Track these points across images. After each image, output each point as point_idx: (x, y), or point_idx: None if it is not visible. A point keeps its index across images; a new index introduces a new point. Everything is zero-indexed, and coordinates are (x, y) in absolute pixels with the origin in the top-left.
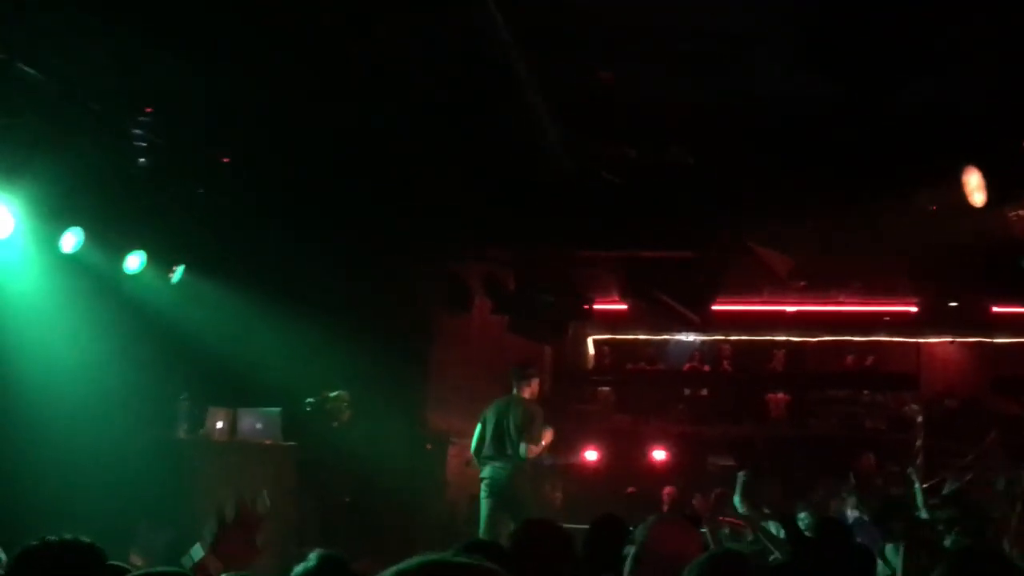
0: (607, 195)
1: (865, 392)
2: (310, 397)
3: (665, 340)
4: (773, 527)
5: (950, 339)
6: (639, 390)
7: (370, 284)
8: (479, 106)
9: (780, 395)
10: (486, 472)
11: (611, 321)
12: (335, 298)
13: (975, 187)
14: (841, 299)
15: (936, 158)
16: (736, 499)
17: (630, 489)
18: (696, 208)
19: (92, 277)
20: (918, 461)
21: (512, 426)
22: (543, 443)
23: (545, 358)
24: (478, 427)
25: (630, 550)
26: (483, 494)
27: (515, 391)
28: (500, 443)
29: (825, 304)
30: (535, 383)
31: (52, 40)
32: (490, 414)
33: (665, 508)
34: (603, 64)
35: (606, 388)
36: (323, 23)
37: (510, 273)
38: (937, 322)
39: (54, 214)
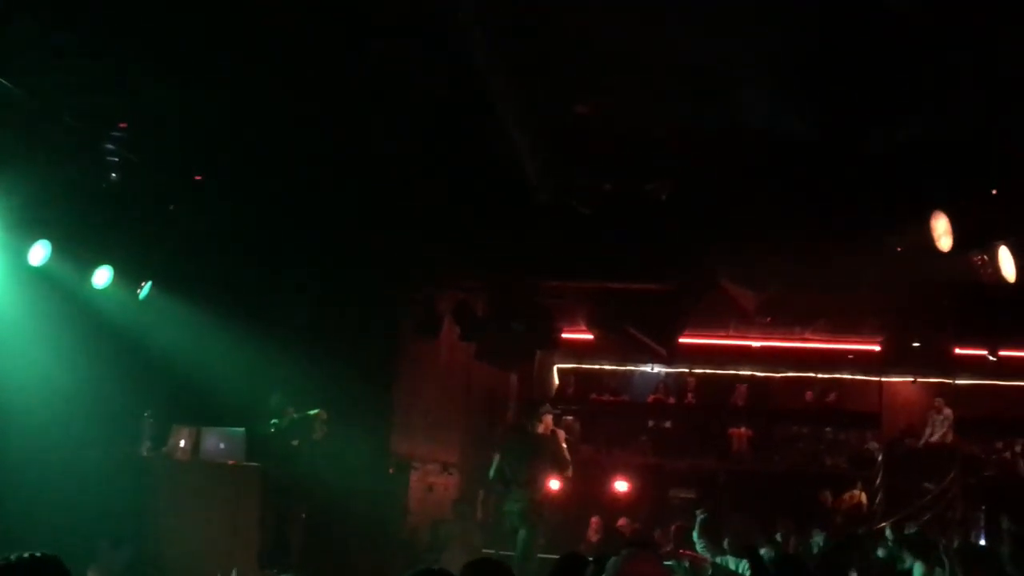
0: (578, 225)
1: (827, 429)
2: (275, 418)
3: (630, 371)
4: (732, 563)
5: (912, 379)
6: (603, 421)
7: (339, 307)
8: (456, 134)
9: (743, 430)
10: (507, 506)
11: (577, 350)
12: (303, 319)
13: (942, 232)
14: (806, 336)
15: (904, 201)
16: (695, 534)
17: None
18: (666, 242)
19: (59, 291)
20: (878, 499)
21: (528, 461)
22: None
23: (511, 385)
24: (495, 460)
25: None
26: (512, 526)
27: (529, 427)
28: (518, 476)
29: (790, 340)
30: (548, 418)
31: (28, 54)
32: (507, 448)
33: (593, 539)
34: (581, 96)
35: (570, 417)
36: (301, 47)
37: (479, 300)
38: (900, 361)
39: (23, 226)
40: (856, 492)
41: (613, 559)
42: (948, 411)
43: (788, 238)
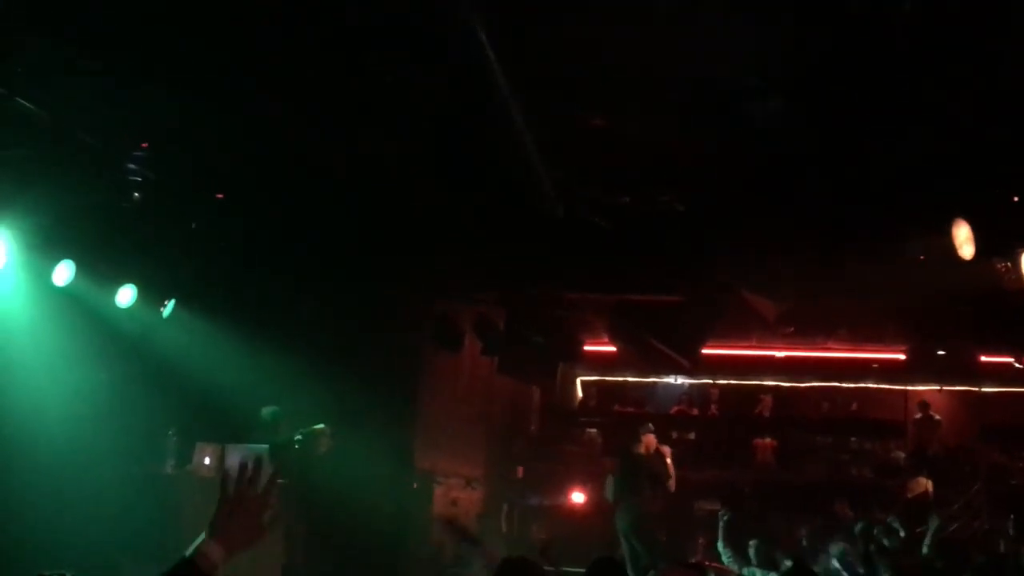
0: (598, 238)
1: (852, 439)
2: (298, 435)
3: (653, 383)
4: (759, 574)
5: (938, 387)
6: (627, 433)
7: (360, 323)
8: (473, 149)
9: (767, 440)
10: (617, 523)
11: (600, 363)
12: (325, 336)
13: (964, 240)
14: (829, 345)
15: (926, 209)
16: (719, 544)
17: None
18: (686, 253)
19: (83, 310)
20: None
21: (630, 479)
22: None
23: (533, 399)
24: (610, 481)
25: None
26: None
27: (632, 448)
28: (623, 494)
29: (814, 350)
30: (648, 437)
31: (50, 77)
32: (618, 468)
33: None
34: (595, 110)
35: (593, 430)
36: (317, 65)
37: (500, 314)
38: (925, 370)
39: (47, 247)
40: (922, 480)
41: (651, 572)
42: (935, 416)
43: (808, 247)
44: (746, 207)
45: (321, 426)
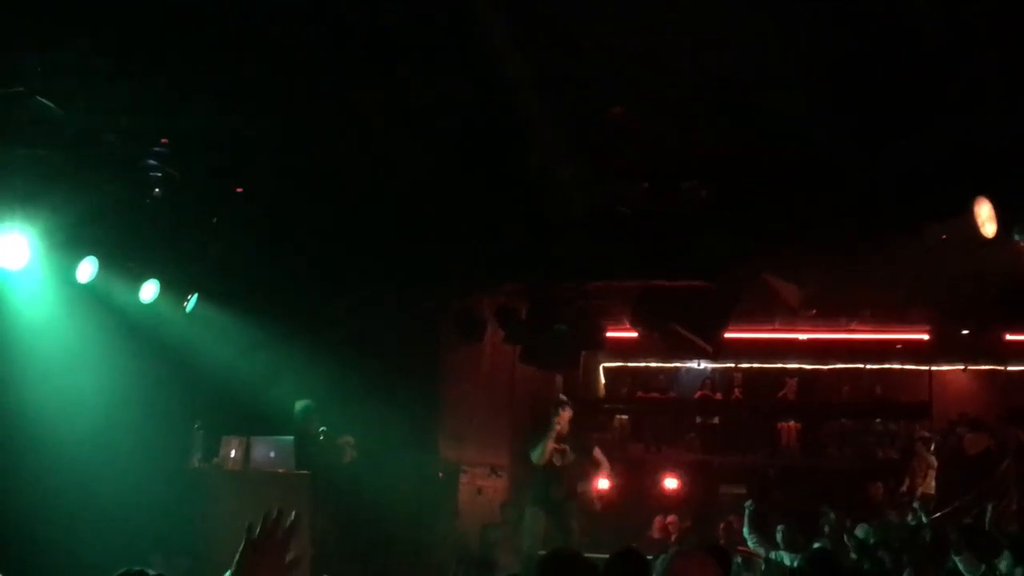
0: (619, 225)
1: (877, 421)
2: (323, 426)
3: (676, 368)
4: (787, 558)
5: (963, 367)
6: (651, 419)
7: (382, 314)
8: (493, 140)
9: (791, 423)
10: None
11: (622, 349)
12: (346, 327)
13: (986, 218)
14: (853, 327)
15: (947, 188)
16: (745, 531)
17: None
18: (708, 238)
19: (107, 306)
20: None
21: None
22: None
23: (556, 386)
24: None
25: None
26: None
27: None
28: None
29: (837, 332)
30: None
31: (72, 77)
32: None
33: (672, 538)
34: (617, 100)
35: (624, 416)
36: (340, 61)
37: (522, 302)
38: (950, 350)
39: (70, 244)
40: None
41: (662, 557)
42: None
43: (830, 230)
44: (769, 192)
45: (345, 437)
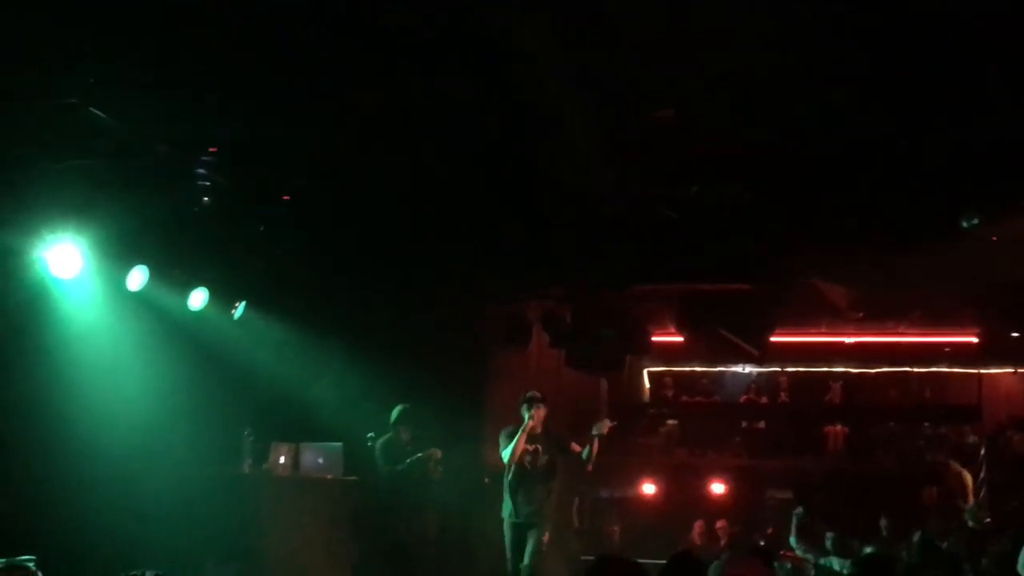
0: (664, 228)
1: (925, 424)
2: (371, 432)
3: (721, 372)
4: (836, 563)
5: (1012, 370)
6: (696, 423)
7: (428, 319)
8: (539, 145)
9: (838, 427)
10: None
11: (666, 353)
12: (394, 333)
13: None
14: (901, 330)
15: (997, 188)
16: (792, 537)
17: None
18: (754, 241)
19: (157, 314)
20: (981, 495)
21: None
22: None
23: (601, 391)
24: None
25: None
26: None
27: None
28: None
29: (884, 335)
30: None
31: (122, 89)
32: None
33: (722, 543)
34: (662, 103)
35: (673, 421)
36: (382, 69)
37: (567, 307)
38: (999, 353)
39: (120, 253)
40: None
41: (716, 563)
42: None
43: (878, 232)
44: (815, 193)
45: (429, 450)
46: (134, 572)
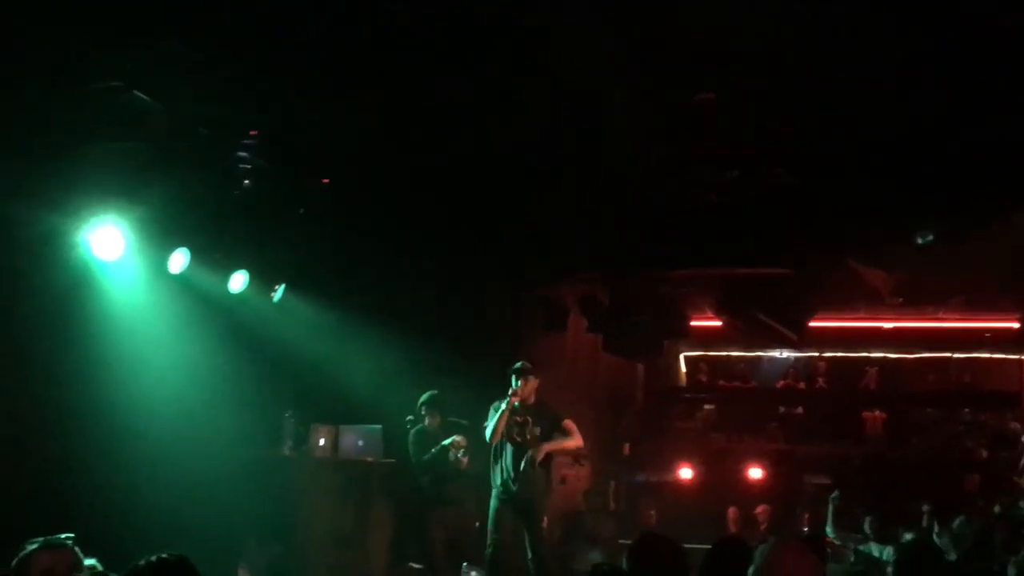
0: (704, 212)
1: (965, 410)
2: (410, 415)
3: (758, 357)
4: (876, 549)
5: None
6: (733, 408)
7: (467, 303)
8: (579, 129)
9: (876, 413)
10: None
11: (703, 338)
12: (431, 317)
13: None
14: (940, 315)
15: None
16: (828, 522)
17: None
18: (793, 225)
19: (198, 296)
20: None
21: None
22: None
23: (638, 375)
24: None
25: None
26: None
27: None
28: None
29: (924, 320)
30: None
31: (166, 72)
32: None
33: (761, 528)
34: (702, 86)
35: (711, 406)
36: (424, 58)
37: (605, 292)
38: None
39: (162, 236)
40: None
41: (761, 547)
42: None
43: (919, 217)
44: (858, 180)
45: (450, 440)
46: (168, 553)
